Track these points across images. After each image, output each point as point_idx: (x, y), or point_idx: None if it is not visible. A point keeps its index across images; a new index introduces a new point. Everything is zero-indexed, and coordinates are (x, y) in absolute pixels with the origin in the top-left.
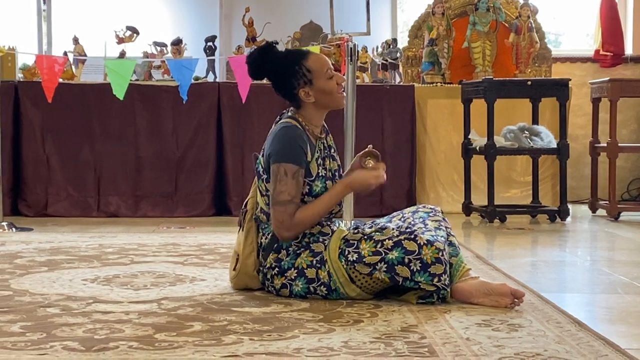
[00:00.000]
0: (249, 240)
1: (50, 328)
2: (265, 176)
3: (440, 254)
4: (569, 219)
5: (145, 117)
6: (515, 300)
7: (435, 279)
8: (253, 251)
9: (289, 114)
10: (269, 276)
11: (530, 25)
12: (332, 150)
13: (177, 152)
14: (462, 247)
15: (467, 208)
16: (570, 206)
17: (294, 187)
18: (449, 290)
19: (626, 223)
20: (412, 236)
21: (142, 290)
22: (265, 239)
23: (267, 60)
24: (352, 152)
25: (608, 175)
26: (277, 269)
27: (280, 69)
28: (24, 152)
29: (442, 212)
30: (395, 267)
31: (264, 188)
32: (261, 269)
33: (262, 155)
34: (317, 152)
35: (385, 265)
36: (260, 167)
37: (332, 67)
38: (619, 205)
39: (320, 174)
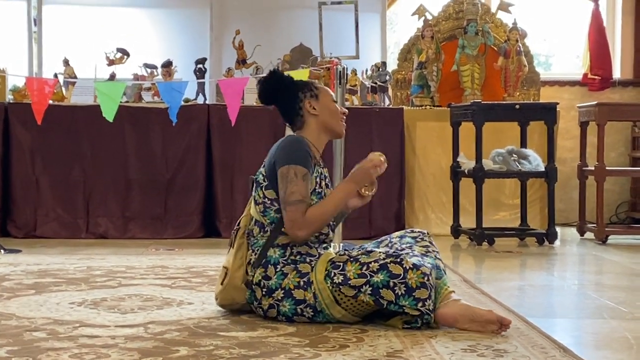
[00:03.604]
0: (239, 255)
1: (37, 353)
2: (264, 183)
3: (426, 278)
4: (557, 241)
5: (134, 138)
6: (502, 326)
7: (420, 304)
8: (242, 265)
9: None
10: (257, 296)
11: (518, 48)
12: (327, 180)
13: (166, 174)
14: (450, 270)
15: (456, 230)
16: (558, 229)
17: (304, 187)
18: (432, 315)
19: (614, 246)
20: (398, 259)
21: (129, 314)
22: (255, 254)
23: (278, 78)
24: (341, 175)
25: (596, 198)
26: (264, 289)
27: (289, 82)
28: (13, 173)
29: (430, 236)
30: (380, 290)
31: (261, 196)
32: (249, 283)
33: (264, 166)
34: (316, 172)
35: (370, 288)
36: (260, 176)
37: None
38: (606, 229)
39: (316, 190)
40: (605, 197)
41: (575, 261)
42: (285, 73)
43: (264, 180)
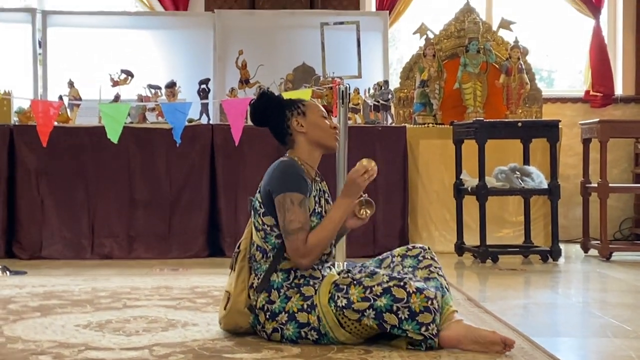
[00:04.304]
0: (240, 279)
1: None
2: (261, 210)
3: (430, 302)
4: (561, 259)
5: (139, 159)
6: (506, 346)
7: (423, 328)
8: (244, 290)
9: (286, 157)
10: (261, 320)
11: (520, 66)
12: (327, 195)
13: (170, 194)
14: (454, 288)
15: (460, 248)
16: (562, 246)
17: (302, 214)
18: (436, 340)
19: (618, 263)
20: (402, 283)
21: (134, 336)
22: (257, 279)
23: (265, 101)
24: None
25: (599, 215)
26: (268, 312)
27: (277, 103)
28: (19, 195)
29: (431, 251)
30: (384, 314)
31: (260, 222)
32: (252, 307)
33: (259, 192)
34: (314, 191)
35: (374, 312)
36: (257, 202)
37: (326, 114)
38: (610, 246)
39: (316, 210)
40: (609, 214)
41: (580, 279)
42: (281, 93)
43: (261, 207)
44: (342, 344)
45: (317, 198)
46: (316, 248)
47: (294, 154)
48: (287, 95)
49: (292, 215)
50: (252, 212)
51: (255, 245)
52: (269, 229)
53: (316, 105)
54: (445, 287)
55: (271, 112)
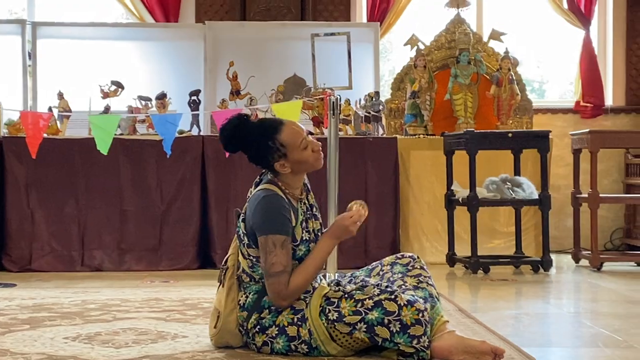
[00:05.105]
0: (230, 298)
1: None
2: (246, 241)
3: (420, 315)
4: (552, 269)
5: (129, 171)
6: (496, 356)
7: (415, 341)
8: (235, 309)
9: (268, 177)
10: (250, 334)
11: (511, 77)
12: (314, 209)
13: (161, 206)
14: (446, 299)
15: (451, 259)
16: (553, 256)
17: (284, 256)
18: (428, 352)
19: (609, 273)
20: (393, 296)
21: (123, 349)
22: (247, 297)
23: (240, 136)
24: (336, 204)
25: (590, 225)
26: (258, 326)
27: (254, 145)
28: (8, 207)
29: (420, 260)
30: (375, 327)
31: (245, 252)
32: (242, 329)
33: (243, 220)
34: (301, 215)
35: (365, 326)
36: (241, 230)
37: (306, 136)
38: (601, 256)
39: (304, 238)
40: (600, 224)
41: (571, 289)
42: (271, 105)
43: (244, 237)
44: (332, 357)
45: (304, 224)
46: (298, 290)
47: (278, 179)
48: (276, 108)
49: (274, 258)
50: (238, 238)
51: (242, 268)
52: (254, 259)
53: (294, 134)
54: (436, 297)
55: (247, 150)
